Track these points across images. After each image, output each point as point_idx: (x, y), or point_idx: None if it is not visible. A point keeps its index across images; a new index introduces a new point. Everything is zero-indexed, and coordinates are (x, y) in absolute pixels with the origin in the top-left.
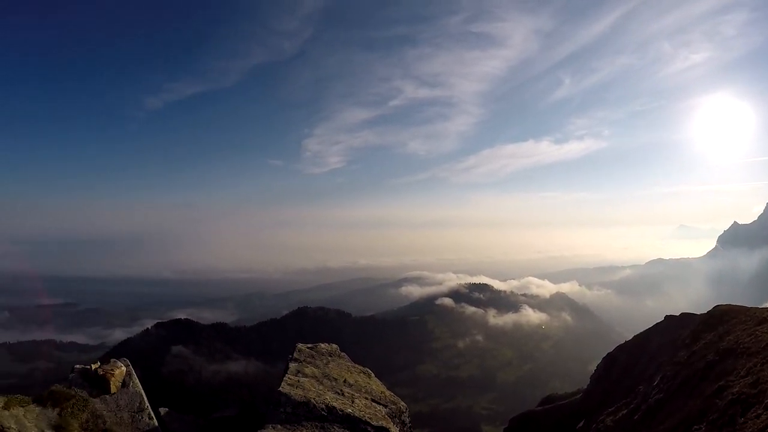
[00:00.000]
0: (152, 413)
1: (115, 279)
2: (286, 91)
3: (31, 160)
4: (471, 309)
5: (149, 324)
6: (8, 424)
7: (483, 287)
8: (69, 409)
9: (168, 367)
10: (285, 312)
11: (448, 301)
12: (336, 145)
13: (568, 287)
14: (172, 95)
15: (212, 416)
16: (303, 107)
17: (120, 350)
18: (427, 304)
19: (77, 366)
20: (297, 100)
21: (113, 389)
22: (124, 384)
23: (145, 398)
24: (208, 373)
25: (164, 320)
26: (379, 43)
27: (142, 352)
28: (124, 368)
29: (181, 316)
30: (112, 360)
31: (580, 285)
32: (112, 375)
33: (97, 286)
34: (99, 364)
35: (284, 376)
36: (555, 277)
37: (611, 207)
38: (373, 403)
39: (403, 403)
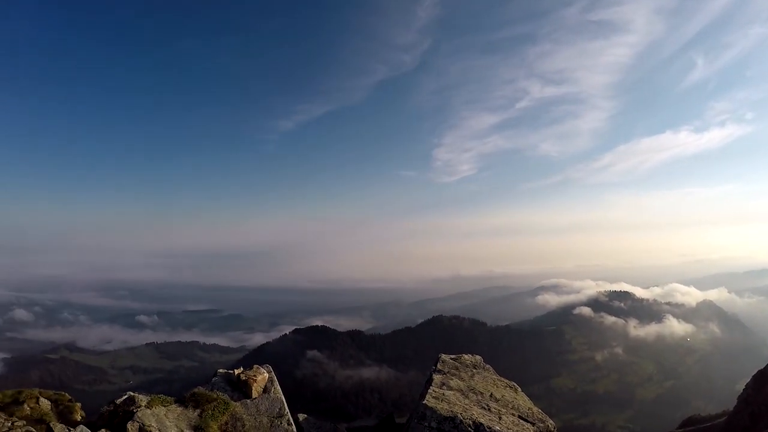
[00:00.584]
0: (291, 419)
1: (256, 288)
2: (411, 103)
3: (179, 185)
4: (610, 319)
5: (287, 330)
6: (149, 423)
7: (623, 295)
8: (210, 411)
9: (302, 371)
10: (419, 320)
11: (586, 311)
12: (466, 153)
13: (715, 294)
14: (303, 116)
15: (351, 425)
16: (430, 117)
17: (258, 353)
18: (564, 313)
19: (220, 370)
20: (423, 110)
21: (254, 394)
22: (266, 390)
23: (285, 404)
24: (341, 377)
25: (302, 326)
26: (498, 45)
27: (279, 355)
28: (266, 374)
29: (318, 323)
30: (255, 366)
31: (729, 292)
32: (255, 380)
33: (239, 294)
34: (242, 369)
35: (428, 388)
36: (701, 283)
37: (762, 200)
38: (521, 421)
39: (551, 421)
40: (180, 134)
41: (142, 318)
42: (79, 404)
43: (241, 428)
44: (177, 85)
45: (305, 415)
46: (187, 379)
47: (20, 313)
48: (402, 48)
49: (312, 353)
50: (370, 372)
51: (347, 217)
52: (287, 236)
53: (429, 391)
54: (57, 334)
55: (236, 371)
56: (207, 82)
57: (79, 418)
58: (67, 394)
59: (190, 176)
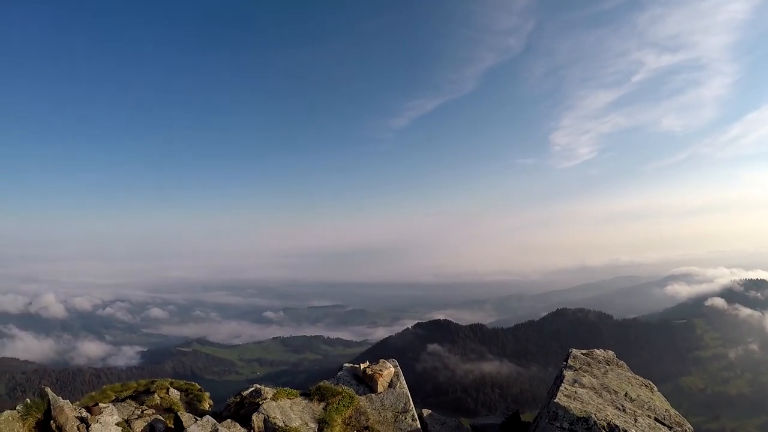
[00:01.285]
0: (415, 415)
1: (379, 283)
2: (523, 87)
3: (301, 188)
4: (746, 311)
5: (409, 324)
6: (274, 415)
7: (761, 284)
8: (334, 405)
9: (423, 364)
10: (543, 313)
11: (719, 302)
12: (585, 135)
13: None
14: (415, 112)
15: (476, 422)
16: (544, 100)
17: (380, 347)
18: (696, 305)
19: (346, 364)
20: (536, 94)
21: (380, 389)
22: (391, 384)
23: (411, 400)
24: (461, 371)
25: (424, 320)
26: (604, 16)
27: (400, 348)
28: (392, 369)
29: (440, 317)
30: (381, 360)
31: None
32: (381, 375)
33: (363, 290)
34: (368, 363)
35: (560, 385)
36: None
37: None
38: (658, 424)
39: (689, 425)
40: (300, 137)
41: (269, 314)
42: (207, 394)
43: (365, 422)
44: (297, 91)
45: (429, 411)
46: (311, 372)
47: (156, 312)
48: (506, 32)
49: (433, 347)
50: (491, 366)
51: (468, 209)
52: (409, 232)
53: (561, 388)
54: (189, 330)
55: (362, 365)
56: (321, 87)
57: (207, 407)
58: (196, 384)
59: (311, 179)
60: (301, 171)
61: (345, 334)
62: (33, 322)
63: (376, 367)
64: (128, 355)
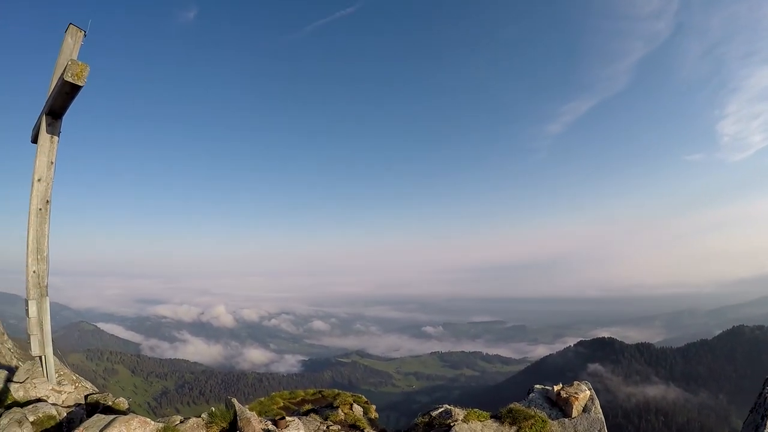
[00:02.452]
0: None
1: (541, 299)
2: (679, 74)
3: (457, 206)
4: None
5: (571, 342)
6: None
7: None
8: (527, 429)
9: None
10: (717, 331)
11: None
12: (755, 120)
13: None
14: (569, 117)
15: None
16: (704, 86)
17: (539, 365)
18: None
19: (537, 386)
20: (694, 80)
21: (574, 413)
22: (586, 409)
23: (605, 427)
24: (622, 395)
25: (587, 338)
26: None
27: (560, 367)
28: (588, 392)
29: (605, 334)
30: (575, 382)
31: None
32: (576, 398)
33: (525, 305)
34: (562, 385)
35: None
36: None
37: None
38: None
39: None
40: (456, 154)
41: (429, 329)
42: (374, 406)
43: None
44: (441, 112)
45: None
46: (467, 388)
47: (318, 324)
48: (652, 16)
49: (594, 367)
50: (655, 390)
51: (633, 216)
52: (571, 243)
53: None
54: (350, 342)
55: (556, 387)
56: (472, 102)
57: (373, 416)
58: (363, 396)
59: (468, 194)
60: (459, 187)
61: (504, 351)
62: (204, 329)
63: (571, 390)
64: (290, 363)
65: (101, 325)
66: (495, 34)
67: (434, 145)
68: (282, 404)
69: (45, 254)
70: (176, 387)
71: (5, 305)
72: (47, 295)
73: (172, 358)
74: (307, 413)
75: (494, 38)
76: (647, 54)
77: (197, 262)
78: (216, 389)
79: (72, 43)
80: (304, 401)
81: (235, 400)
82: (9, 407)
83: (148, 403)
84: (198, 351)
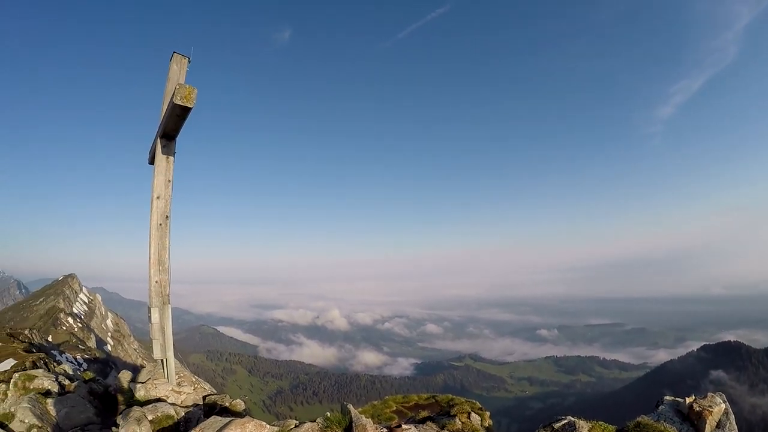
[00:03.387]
0: None
1: (663, 298)
2: None
3: (574, 197)
4: None
5: (694, 346)
6: None
7: None
8: None
9: (701, 394)
10: None
11: None
12: None
13: None
14: (680, 97)
15: None
16: None
17: (658, 372)
18: None
19: (667, 397)
20: None
21: (708, 429)
22: (720, 424)
23: None
24: (747, 405)
25: (711, 342)
26: None
27: (679, 374)
28: (722, 405)
29: (730, 338)
30: (709, 394)
31: None
32: (710, 412)
33: (645, 306)
34: (694, 397)
35: None
36: None
37: None
38: None
39: None
40: (564, 153)
41: (543, 332)
42: (488, 413)
43: None
44: (548, 109)
45: None
46: (582, 395)
47: (431, 327)
48: None
49: (716, 374)
50: None
51: (764, 204)
52: (694, 236)
53: None
54: (463, 346)
55: (688, 399)
56: (574, 95)
57: (488, 424)
58: (477, 402)
59: (578, 190)
60: (570, 183)
61: (622, 356)
62: (319, 332)
63: (704, 403)
64: (403, 366)
65: (221, 329)
66: (591, 18)
67: (542, 143)
68: (395, 408)
69: (166, 265)
70: (291, 387)
71: (132, 311)
72: (169, 303)
73: (288, 359)
74: (423, 421)
75: (591, 23)
76: (755, 16)
77: (312, 269)
78: (329, 390)
79: (178, 70)
80: (417, 406)
81: (351, 406)
82: (130, 405)
83: (263, 402)
84: (313, 353)
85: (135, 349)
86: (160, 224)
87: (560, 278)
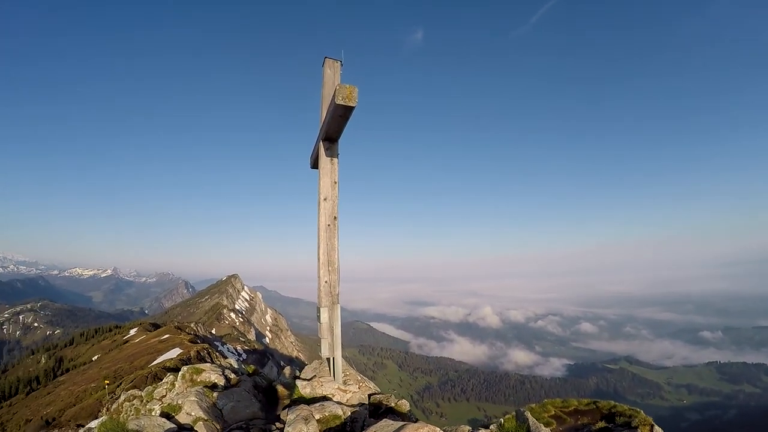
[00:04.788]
0: None
1: None
2: None
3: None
4: None
5: None
6: None
7: None
8: None
9: None
10: None
11: None
12: None
13: None
14: None
15: None
16: None
17: None
18: None
19: None
20: None
21: None
22: None
23: None
24: None
25: None
26: None
27: None
28: None
29: None
30: None
31: None
32: None
33: None
34: None
35: None
36: None
37: None
38: None
39: None
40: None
41: (706, 334)
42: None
43: None
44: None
45: None
46: (745, 408)
47: (586, 326)
48: None
49: None
50: None
51: None
52: None
53: None
54: (618, 347)
55: None
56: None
57: None
58: (642, 412)
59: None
60: (731, 164)
61: None
62: (470, 329)
63: None
64: (554, 366)
65: (374, 324)
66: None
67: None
68: (553, 413)
69: (335, 266)
70: (439, 383)
71: (289, 307)
72: (338, 303)
73: (438, 356)
74: (584, 429)
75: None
76: None
77: (465, 267)
78: (477, 388)
79: (332, 73)
80: (576, 412)
81: (528, 413)
82: (295, 402)
83: (411, 396)
84: (463, 350)
85: (291, 342)
86: (329, 225)
87: (724, 273)
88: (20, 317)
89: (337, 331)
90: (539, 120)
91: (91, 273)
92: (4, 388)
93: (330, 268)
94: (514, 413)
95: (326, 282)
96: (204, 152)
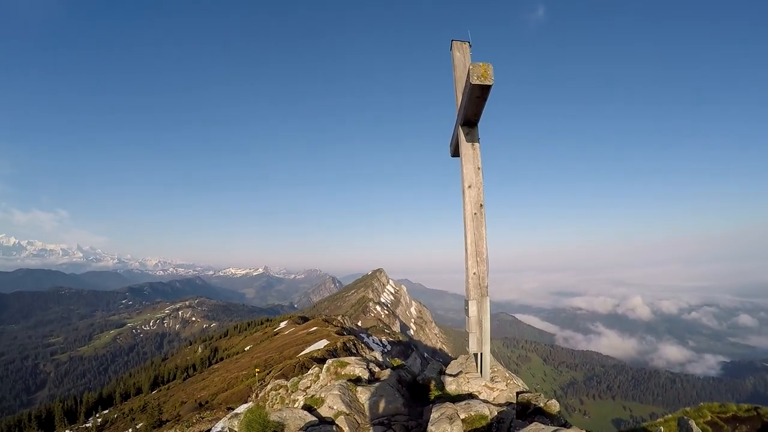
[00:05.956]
0: None
1: None
2: None
3: None
4: None
5: None
6: None
7: None
8: None
9: None
10: None
11: None
12: None
13: None
14: None
15: None
16: None
17: None
18: None
19: None
20: None
21: None
22: None
23: None
24: None
25: None
26: None
27: None
28: None
29: None
30: None
31: None
32: None
33: None
34: None
35: None
36: None
37: None
38: None
39: None
40: None
41: None
42: None
43: None
44: None
45: None
46: None
47: (744, 319)
48: None
49: None
50: None
51: None
52: None
53: None
54: None
55: None
56: None
57: None
58: None
59: None
60: None
61: None
62: (619, 321)
63: None
64: (708, 365)
65: (519, 316)
66: None
67: None
68: (709, 418)
69: (484, 256)
70: (584, 379)
71: (434, 299)
72: (487, 295)
73: (585, 350)
74: None
75: None
76: None
77: (613, 253)
78: (624, 385)
79: (461, 55)
80: (735, 418)
81: (692, 422)
82: (440, 398)
83: (554, 392)
84: (611, 344)
85: (435, 334)
86: (475, 213)
87: None
88: (179, 312)
89: (486, 325)
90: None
91: (244, 272)
92: (164, 374)
93: (478, 259)
94: (674, 419)
95: (474, 273)
96: (347, 148)
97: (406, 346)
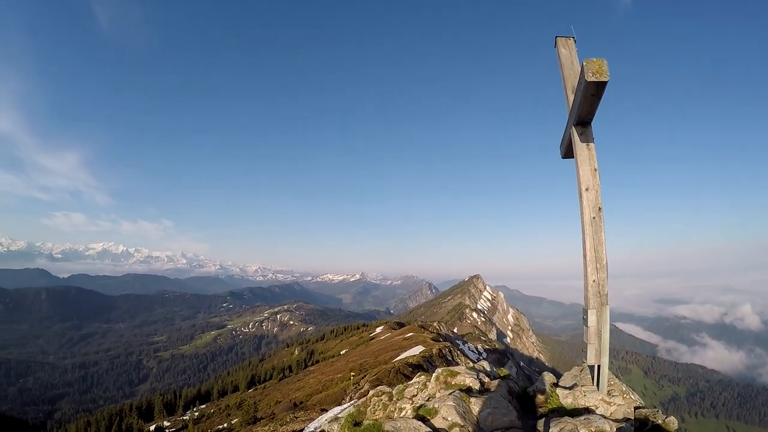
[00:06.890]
0: None
1: None
2: None
3: None
4: None
5: None
6: None
7: None
8: None
9: None
10: None
11: None
12: None
13: None
14: None
15: None
16: None
17: None
18: None
19: None
20: None
21: None
22: None
23: None
24: None
25: None
26: None
27: None
28: None
29: None
30: None
31: None
32: None
33: None
34: None
35: None
36: None
37: None
38: None
39: None
40: None
41: None
42: None
43: None
44: None
45: None
46: None
47: None
48: None
49: None
50: None
51: None
52: None
53: None
54: None
55: None
56: None
57: None
58: None
59: None
60: None
61: None
62: (726, 332)
63: None
64: None
65: (620, 325)
66: None
67: None
68: None
69: (603, 262)
70: (687, 395)
71: (532, 306)
72: (607, 304)
73: (688, 362)
74: None
75: None
76: None
77: (720, 256)
78: (729, 403)
79: (567, 52)
80: None
81: None
82: (553, 412)
83: (655, 408)
84: (717, 357)
85: (533, 343)
86: (593, 217)
87: None
88: (278, 316)
89: (606, 336)
90: None
91: (341, 278)
92: (261, 374)
93: (598, 266)
94: None
95: (594, 281)
96: (442, 153)
97: (502, 355)
